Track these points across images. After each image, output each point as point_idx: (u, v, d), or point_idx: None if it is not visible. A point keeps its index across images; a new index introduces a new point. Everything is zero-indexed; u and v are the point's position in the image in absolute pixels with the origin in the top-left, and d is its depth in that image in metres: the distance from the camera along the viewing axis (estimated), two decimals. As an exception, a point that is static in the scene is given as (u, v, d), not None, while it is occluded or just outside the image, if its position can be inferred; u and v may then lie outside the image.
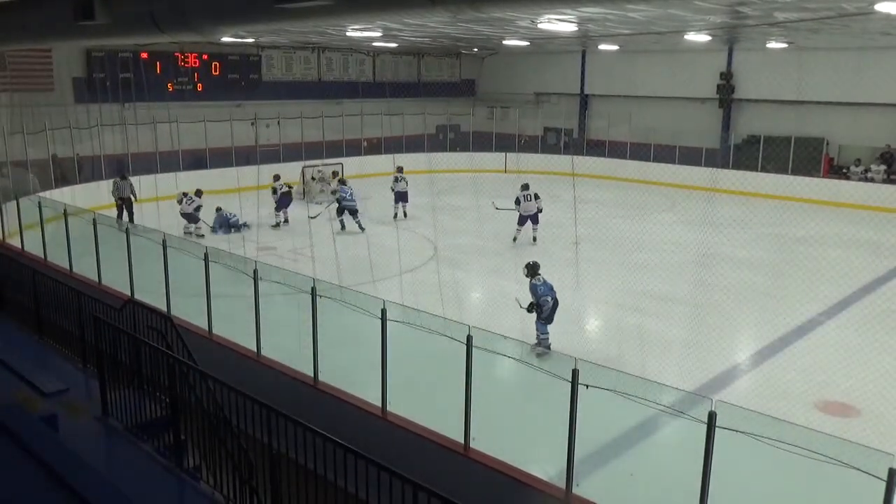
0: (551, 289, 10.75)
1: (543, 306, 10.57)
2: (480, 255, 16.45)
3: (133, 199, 19.53)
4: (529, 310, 10.67)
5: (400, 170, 20.89)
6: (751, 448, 5.46)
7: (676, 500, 6.69)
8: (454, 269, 15.00)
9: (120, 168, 21.09)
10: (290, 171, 23.61)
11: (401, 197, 20.41)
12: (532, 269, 10.94)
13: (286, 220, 19.27)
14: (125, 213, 19.33)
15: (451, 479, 6.58)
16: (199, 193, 18.68)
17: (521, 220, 17.52)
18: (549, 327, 10.74)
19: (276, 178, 19.80)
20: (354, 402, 7.95)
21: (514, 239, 17.42)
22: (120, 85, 22.63)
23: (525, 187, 17.81)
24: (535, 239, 17.37)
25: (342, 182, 20.07)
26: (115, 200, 19.49)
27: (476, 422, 7.00)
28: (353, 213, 18.53)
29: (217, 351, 9.58)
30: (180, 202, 18.51)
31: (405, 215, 20.43)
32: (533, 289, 10.71)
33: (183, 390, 6.25)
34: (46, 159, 19.72)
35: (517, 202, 17.59)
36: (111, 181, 19.84)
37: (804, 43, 21.95)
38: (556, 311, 10.84)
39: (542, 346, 10.48)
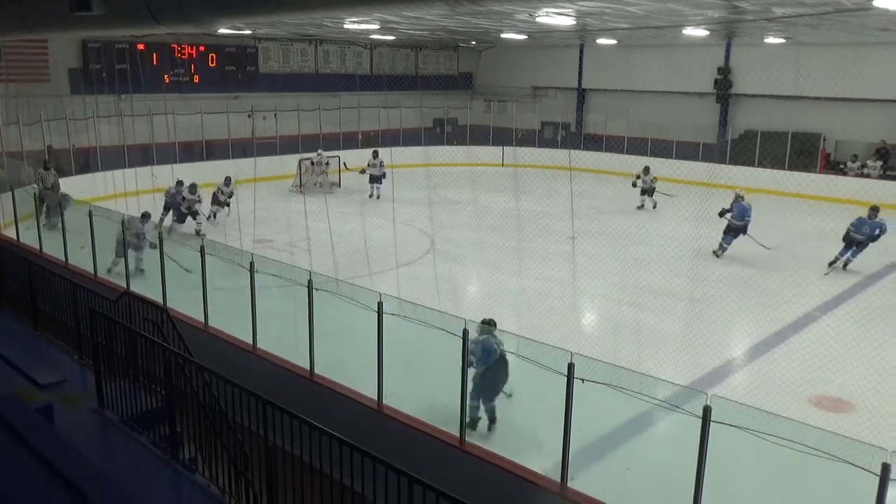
0: (491, 353, 7.75)
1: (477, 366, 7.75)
2: (477, 249, 16.45)
3: (54, 189, 18.00)
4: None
5: (375, 154, 22.31)
6: (745, 442, 5.48)
7: (671, 494, 6.71)
8: (451, 263, 15.00)
9: (48, 158, 19.86)
10: (287, 164, 23.61)
11: (374, 179, 22.13)
12: (487, 325, 7.97)
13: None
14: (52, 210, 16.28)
15: (447, 472, 6.60)
16: (193, 189, 17.71)
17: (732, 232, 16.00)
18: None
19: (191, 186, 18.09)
20: (350, 395, 7.96)
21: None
22: (116, 76, 22.51)
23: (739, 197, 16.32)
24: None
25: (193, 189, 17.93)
26: (39, 194, 16.89)
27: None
28: (194, 214, 17.59)
29: (213, 343, 9.58)
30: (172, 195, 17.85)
31: (378, 197, 21.91)
32: (484, 343, 7.75)
33: (179, 382, 6.25)
34: (42, 150, 19.64)
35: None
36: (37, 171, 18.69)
37: (802, 38, 21.95)
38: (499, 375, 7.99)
39: (471, 419, 7.80)
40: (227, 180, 18.53)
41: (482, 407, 8.00)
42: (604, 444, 7.83)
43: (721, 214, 16.10)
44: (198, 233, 17.35)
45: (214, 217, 18.31)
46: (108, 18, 8.85)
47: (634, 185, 21.33)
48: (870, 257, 14.91)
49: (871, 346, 10.36)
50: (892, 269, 14.95)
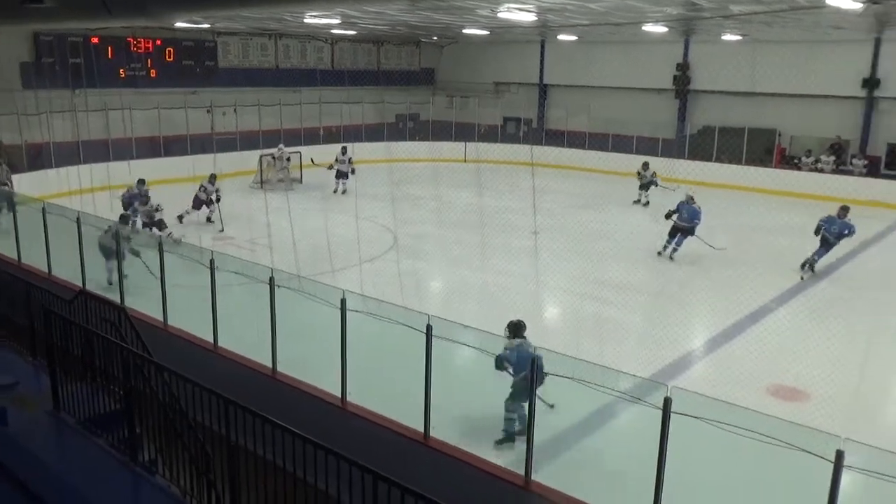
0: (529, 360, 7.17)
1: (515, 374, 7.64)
2: (440, 245, 16.45)
3: (10, 185, 18.11)
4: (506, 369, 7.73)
5: (344, 150, 22.48)
6: (705, 432, 5.58)
7: (633, 484, 6.80)
8: (414, 259, 14.99)
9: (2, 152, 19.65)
10: (248, 160, 23.32)
11: (341, 175, 22.20)
12: (516, 328, 7.91)
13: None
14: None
15: (412, 468, 6.60)
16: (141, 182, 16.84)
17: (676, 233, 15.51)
18: None
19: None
20: (313, 393, 7.91)
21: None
22: (70, 70, 21.97)
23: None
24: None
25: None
26: None
27: (436, 410, 7.03)
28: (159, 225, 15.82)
29: (173, 342, 9.44)
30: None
31: (344, 192, 21.95)
32: (517, 351, 7.58)
33: (137, 383, 6.14)
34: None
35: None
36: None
37: (758, 35, 22.37)
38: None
39: (507, 433, 7.78)
40: (212, 178, 18.03)
41: (517, 416, 7.67)
42: (567, 437, 7.90)
43: (667, 217, 15.55)
44: (208, 219, 17.68)
45: (208, 219, 17.93)
46: (59, 10, 8.64)
47: (641, 183, 21.33)
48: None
49: (825, 336, 10.61)
50: (842, 262, 15.33)
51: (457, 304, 12.23)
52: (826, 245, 14.51)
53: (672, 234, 15.49)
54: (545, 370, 6.72)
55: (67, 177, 20.21)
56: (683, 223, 15.37)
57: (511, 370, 7.52)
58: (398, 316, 7.12)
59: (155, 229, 15.56)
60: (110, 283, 11.87)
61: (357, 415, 7.46)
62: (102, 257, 12.13)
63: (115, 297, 10.12)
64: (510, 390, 7.61)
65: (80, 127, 21.36)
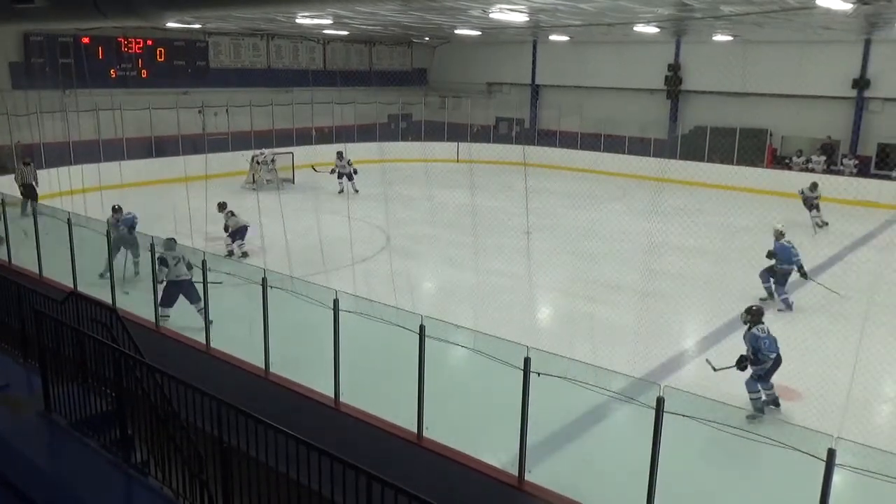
0: (775, 342, 8.84)
1: (764, 362, 8.68)
2: (433, 245, 16.46)
3: (35, 185, 18.72)
4: (740, 366, 8.77)
5: (340, 155, 22.46)
6: (698, 431, 5.60)
7: (626, 484, 6.81)
8: (407, 259, 14.98)
9: (31, 153, 20.09)
10: (240, 160, 23.26)
11: (347, 177, 22.24)
12: (755, 316, 8.98)
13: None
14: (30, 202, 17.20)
15: (405, 468, 6.59)
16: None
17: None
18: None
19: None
20: (306, 393, 7.89)
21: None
22: (60, 70, 21.86)
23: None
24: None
25: None
26: (18, 187, 18.58)
27: (429, 410, 7.02)
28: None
29: (165, 343, 9.41)
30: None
31: (356, 191, 22.05)
32: (753, 339, 8.78)
33: (129, 384, 6.11)
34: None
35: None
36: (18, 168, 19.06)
37: (749, 36, 22.46)
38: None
39: (755, 407, 8.64)
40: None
41: (763, 392, 8.72)
42: (561, 437, 7.91)
43: (769, 257, 12.91)
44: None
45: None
46: (49, 10, 8.59)
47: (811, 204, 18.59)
48: (815, 250, 15.33)
49: (816, 336, 10.67)
50: (834, 261, 15.42)
51: (449, 304, 12.22)
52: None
53: (778, 281, 12.87)
54: (536, 370, 6.71)
55: (58, 177, 20.13)
56: (783, 267, 12.78)
57: (766, 353, 8.62)
58: (391, 316, 7.11)
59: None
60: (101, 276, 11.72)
61: (350, 415, 7.44)
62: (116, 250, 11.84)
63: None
64: (751, 371, 8.70)
65: (71, 127, 21.26)
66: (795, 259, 12.76)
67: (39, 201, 16.39)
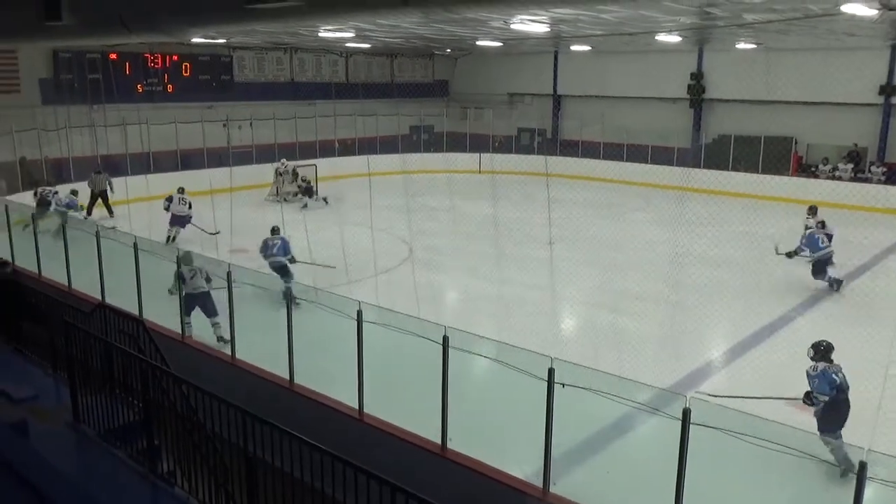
0: (833, 383, 7.54)
1: (817, 405, 7.54)
2: (456, 256, 16.45)
3: (109, 190, 19.95)
4: (809, 401, 7.61)
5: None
6: (725, 443, 5.53)
7: (653, 496, 6.74)
8: (429, 270, 14.98)
9: (95, 163, 21.12)
10: (264, 173, 23.47)
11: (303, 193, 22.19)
12: (818, 352, 7.82)
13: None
14: (100, 208, 19.88)
15: (429, 480, 6.57)
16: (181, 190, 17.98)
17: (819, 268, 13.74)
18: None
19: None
20: (331, 405, 7.92)
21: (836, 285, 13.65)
22: (88, 86, 22.29)
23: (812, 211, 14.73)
24: (835, 285, 13.69)
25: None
26: (93, 193, 19.88)
27: (453, 422, 7.01)
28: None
29: (191, 354, 9.49)
30: (168, 207, 17.63)
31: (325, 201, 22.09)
32: (808, 378, 7.66)
33: (156, 395, 6.17)
34: (14, 162, 19.37)
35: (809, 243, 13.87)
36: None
37: (773, 44, 22.28)
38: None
39: (837, 459, 6.98)
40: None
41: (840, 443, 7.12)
42: (586, 449, 7.85)
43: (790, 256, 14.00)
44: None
45: None
46: (78, 28, 8.75)
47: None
48: (843, 258, 15.10)
49: (844, 346, 10.48)
50: (863, 270, 15.18)
51: (473, 315, 12.20)
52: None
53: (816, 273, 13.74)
54: (560, 381, 6.68)
55: (87, 191, 20.48)
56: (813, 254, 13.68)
57: (815, 399, 7.45)
58: (414, 327, 7.11)
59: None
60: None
61: (375, 427, 7.45)
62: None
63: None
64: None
65: (99, 142, 21.62)
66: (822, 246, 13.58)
67: (70, 214, 16.63)
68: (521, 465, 6.83)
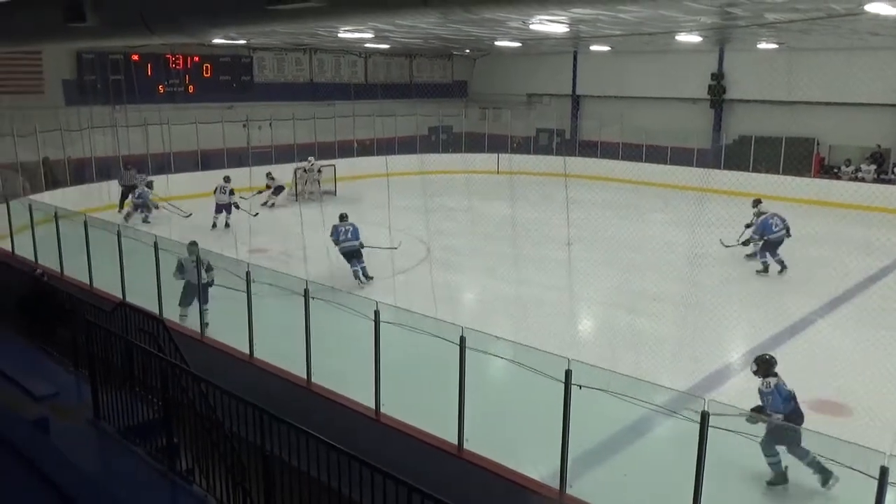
0: (788, 398, 7.30)
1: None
2: (473, 256, 16.44)
3: (138, 185, 20.46)
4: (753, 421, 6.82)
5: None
6: (744, 447, 5.49)
7: (670, 500, 6.70)
8: (447, 271, 14.99)
9: (125, 161, 21.67)
10: (283, 172, 23.59)
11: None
12: (761, 366, 7.51)
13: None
14: (129, 200, 20.60)
15: (445, 480, 6.57)
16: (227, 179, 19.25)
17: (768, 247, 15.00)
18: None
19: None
20: (348, 404, 7.94)
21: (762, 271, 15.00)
22: (111, 87, 22.53)
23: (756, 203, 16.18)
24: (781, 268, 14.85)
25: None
26: (123, 188, 20.79)
27: (469, 423, 7.00)
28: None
29: (209, 353, 9.56)
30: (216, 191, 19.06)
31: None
32: (760, 395, 7.36)
33: (175, 393, 6.23)
34: (37, 162, 19.63)
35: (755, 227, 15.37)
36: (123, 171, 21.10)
37: (795, 44, 22.05)
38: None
39: (775, 472, 7.11)
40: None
41: (779, 458, 7.06)
42: (602, 451, 7.81)
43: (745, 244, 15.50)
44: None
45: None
46: (101, 29, 8.83)
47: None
48: (866, 260, 14.92)
49: (868, 349, 10.38)
50: (887, 272, 14.99)
51: (490, 315, 12.19)
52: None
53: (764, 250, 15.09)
54: (578, 382, 6.65)
55: (109, 191, 20.68)
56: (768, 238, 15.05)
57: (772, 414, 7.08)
58: (431, 328, 7.12)
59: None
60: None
61: (391, 426, 7.46)
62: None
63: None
64: (765, 433, 6.97)
65: (121, 142, 21.85)
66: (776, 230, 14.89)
67: (92, 214, 16.80)
68: (538, 467, 6.81)
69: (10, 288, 10.83)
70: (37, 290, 9.78)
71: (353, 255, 13.97)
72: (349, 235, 14.07)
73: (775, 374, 7.38)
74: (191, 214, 18.85)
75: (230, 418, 5.79)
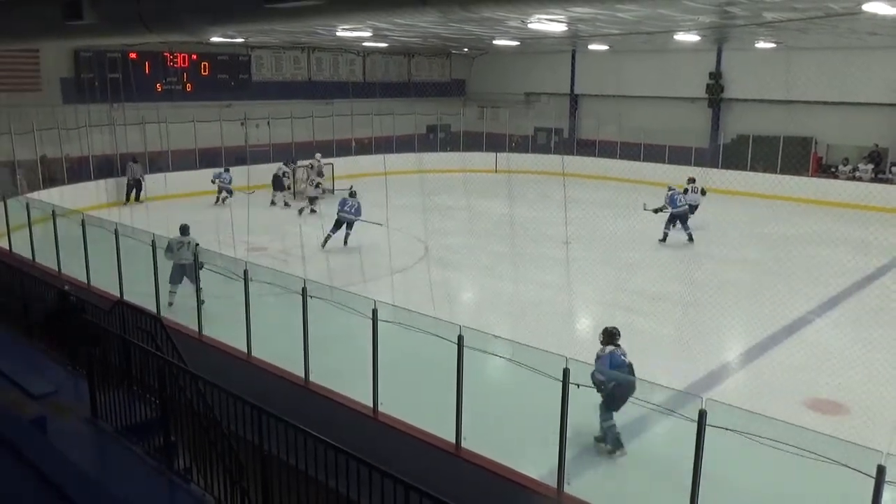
0: (622, 367, 7.75)
1: (602, 390, 7.54)
2: (471, 255, 16.44)
3: (142, 180, 21.68)
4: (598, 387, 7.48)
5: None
6: (741, 446, 5.48)
7: (667, 498, 6.71)
8: (445, 269, 15.00)
9: (132, 156, 22.10)
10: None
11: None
12: (606, 336, 8.06)
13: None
14: (133, 194, 21.75)
15: (443, 478, 6.58)
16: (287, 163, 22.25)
17: (672, 220, 17.59)
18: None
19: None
20: (345, 403, 7.94)
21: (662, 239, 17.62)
22: (108, 85, 22.47)
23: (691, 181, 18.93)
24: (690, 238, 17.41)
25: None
26: (129, 181, 21.64)
27: (467, 421, 7.01)
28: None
29: (207, 352, 9.55)
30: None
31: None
32: (605, 358, 7.80)
33: (173, 392, 6.22)
34: (34, 160, 19.59)
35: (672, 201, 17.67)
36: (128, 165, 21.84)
37: (793, 43, 22.06)
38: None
39: (609, 438, 7.74)
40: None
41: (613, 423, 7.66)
42: (600, 449, 7.82)
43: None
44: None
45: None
46: (99, 27, 8.83)
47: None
48: (863, 259, 14.95)
49: (865, 348, 10.39)
50: (884, 271, 15.02)
51: (488, 314, 12.20)
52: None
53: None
54: (575, 381, 6.66)
55: (106, 189, 20.67)
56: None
57: (603, 381, 7.44)
58: (429, 326, 7.12)
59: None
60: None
61: (389, 425, 7.47)
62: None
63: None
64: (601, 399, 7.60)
65: (118, 140, 21.82)
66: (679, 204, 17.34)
67: (89, 212, 16.79)
68: (536, 465, 6.82)
69: (8, 286, 10.81)
70: (64, 308, 9.63)
71: (347, 225, 16.48)
72: (352, 211, 16.55)
73: (617, 345, 7.92)
74: (253, 192, 20.27)
75: (228, 417, 5.79)
